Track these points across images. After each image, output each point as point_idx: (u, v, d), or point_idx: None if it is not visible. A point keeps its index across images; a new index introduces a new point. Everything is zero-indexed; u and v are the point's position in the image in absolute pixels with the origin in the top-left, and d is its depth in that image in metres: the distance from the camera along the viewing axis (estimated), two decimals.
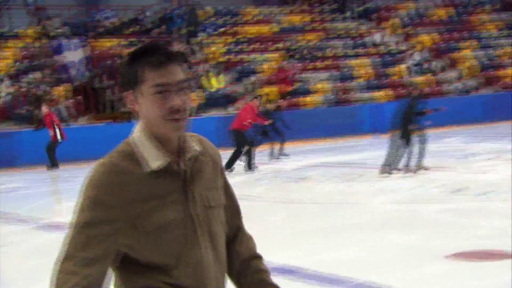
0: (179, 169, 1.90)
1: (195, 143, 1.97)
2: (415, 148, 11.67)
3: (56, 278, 1.81)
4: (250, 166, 13.61)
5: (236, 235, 2.09)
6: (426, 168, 11.74)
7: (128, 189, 1.84)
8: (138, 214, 1.84)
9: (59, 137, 15.98)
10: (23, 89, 17.98)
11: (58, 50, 20.43)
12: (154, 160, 1.88)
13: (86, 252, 1.81)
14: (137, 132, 1.92)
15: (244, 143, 13.40)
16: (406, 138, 11.42)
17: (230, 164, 13.28)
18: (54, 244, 7.81)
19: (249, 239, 2.12)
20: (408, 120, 11.37)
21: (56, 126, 15.97)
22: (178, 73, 1.90)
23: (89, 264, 1.81)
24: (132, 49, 2.40)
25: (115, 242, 1.84)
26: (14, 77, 18.61)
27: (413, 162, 11.73)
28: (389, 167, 11.72)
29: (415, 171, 11.66)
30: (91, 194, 1.84)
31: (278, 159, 15.50)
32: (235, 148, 13.44)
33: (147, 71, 1.88)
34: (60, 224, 8.63)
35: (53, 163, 16.12)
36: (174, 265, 1.87)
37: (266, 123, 14.45)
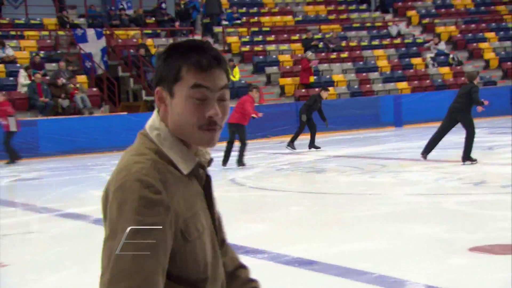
0: (202, 174, 1.76)
1: None
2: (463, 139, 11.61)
3: None
4: (241, 162, 12.76)
5: (221, 247, 1.93)
6: (473, 161, 11.46)
7: (175, 189, 1.64)
8: (185, 219, 1.64)
9: (13, 127, 15.37)
10: (43, 78, 18.08)
11: (79, 40, 20.53)
12: (186, 161, 1.70)
13: (145, 265, 1.53)
14: (162, 130, 1.71)
15: (244, 137, 12.63)
16: (470, 126, 11.45)
17: (240, 159, 12.70)
18: (77, 232, 7.89)
19: (231, 249, 1.98)
20: (469, 108, 11.52)
21: (9, 116, 15.32)
22: (222, 79, 1.70)
23: (154, 280, 1.54)
24: (170, 42, 2.16)
25: (169, 250, 1.60)
26: (36, 66, 18.72)
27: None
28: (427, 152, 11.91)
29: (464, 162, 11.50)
30: (142, 193, 1.56)
31: (309, 150, 15.36)
32: (242, 142, 12.62)
33: (188, 69, 1.66)
34: (82, 212, 8.69)
35: (12, 156, 15.53)
36: (206, 280, 1.70)
37: (260, 115, 13.45)
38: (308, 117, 15.36)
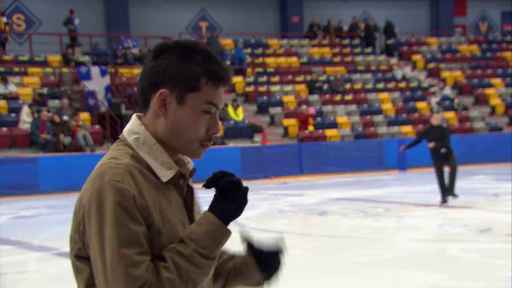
0: (183, 184, 1.65)
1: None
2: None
3: None
4: None
5: None
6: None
7: (151, 196, 1.55)
8: (160, 231, 1.55)
9: None
10: (48, 115, 18.03)
11: (83, 78, 20.56)
12: (165, 169, 1.60)
13: (138, 275, 1.49)
14: (142, 134, 1.60)
15: None
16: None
17: None
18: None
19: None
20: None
21: None
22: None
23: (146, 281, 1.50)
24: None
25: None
26: (38, 103, 18.69)
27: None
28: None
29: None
30: (118, 201, 1.50)
31: None
32: None
33: (207, 81, 1.59)
34: None
35: None
36: None
37: None
38: None
